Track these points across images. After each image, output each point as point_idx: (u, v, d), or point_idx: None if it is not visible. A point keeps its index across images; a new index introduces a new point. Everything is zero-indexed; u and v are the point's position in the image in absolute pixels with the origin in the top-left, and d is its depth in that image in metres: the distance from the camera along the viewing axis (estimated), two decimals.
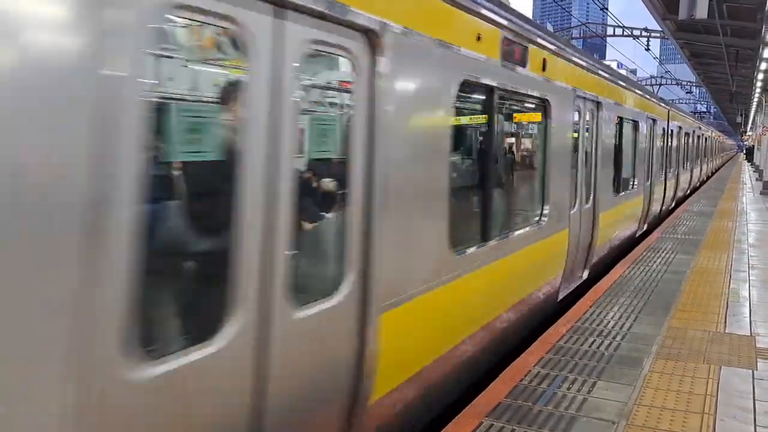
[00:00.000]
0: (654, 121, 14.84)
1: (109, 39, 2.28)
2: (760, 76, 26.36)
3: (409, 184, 4.21)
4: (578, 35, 47.23)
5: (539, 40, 6.59)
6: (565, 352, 5.95)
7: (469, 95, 5.84)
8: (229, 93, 3.20)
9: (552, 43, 7.04)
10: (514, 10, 6.21)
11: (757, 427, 4.53)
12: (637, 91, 13.02)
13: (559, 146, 7.50)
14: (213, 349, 2.82)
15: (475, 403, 4.77)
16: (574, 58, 7.98)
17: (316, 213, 3.91)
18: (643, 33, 38.50)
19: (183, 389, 2.68)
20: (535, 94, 6.62)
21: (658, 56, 45.54)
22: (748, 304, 7.86)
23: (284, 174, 3.16)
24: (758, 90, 32.70)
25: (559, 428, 4.40)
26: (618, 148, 11.24)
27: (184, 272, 3.27)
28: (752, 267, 10.18)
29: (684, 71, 70.98)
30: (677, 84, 68.87)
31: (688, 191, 24.86)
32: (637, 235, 13.42)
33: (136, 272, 2.43)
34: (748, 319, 7.22)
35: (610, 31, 43.85)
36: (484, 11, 5.28)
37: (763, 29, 17.36)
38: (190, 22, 3.04)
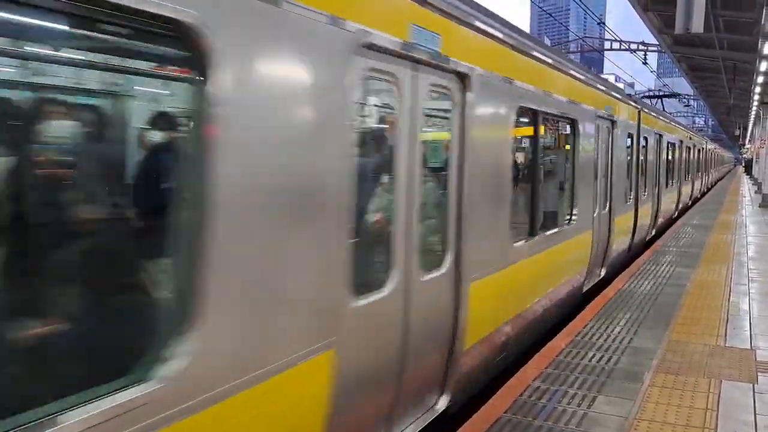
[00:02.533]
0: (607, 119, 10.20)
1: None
2: (758, 89, 26.47)
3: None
4: (575, 49, 47.45)
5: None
6: (564, 366, 5.92)
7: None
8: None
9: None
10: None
11: None
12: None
13: None
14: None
15: (474, 420, 4.74)
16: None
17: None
18: (641, 47, 38.67)
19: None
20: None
21: (655, 69, 45.75)
22: (748, 318, 7.84)
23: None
24: (756, 103, 32.81)
25: None
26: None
27: None
28: (752, 280, 10.17)
29: (682, 84, 71.27)
30: (675, 97, 69.09)
31: (650, 232, 15.87)
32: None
33: None
34: (748, 333, 7.20)
35: (607, 45, 44.09)
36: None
37: (760, 42, 17.45)
38: None
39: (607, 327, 7.27)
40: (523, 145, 7.04)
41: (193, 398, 2.55)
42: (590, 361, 6.09)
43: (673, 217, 19.96)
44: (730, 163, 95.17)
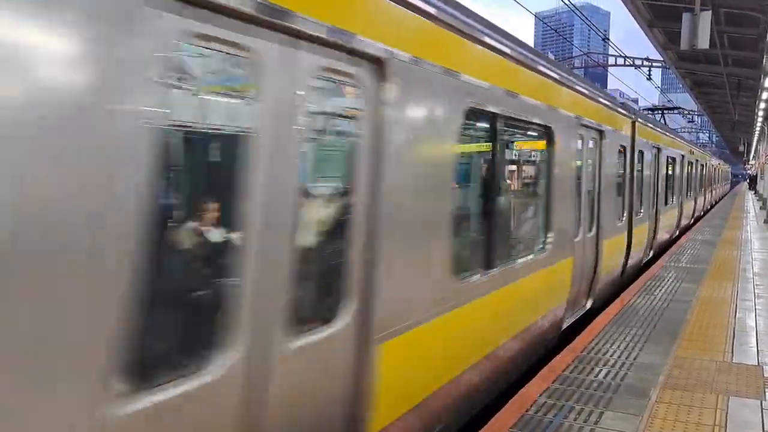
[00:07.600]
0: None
1: None
2: (762, 105, 26.50)
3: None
4: (580, 65, 47.61)
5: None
6: (570, 382, 5.90)
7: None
8: None
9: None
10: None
11: None
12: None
13: None
14: None
15: None
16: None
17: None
18: (645, 62, 38.80)
19: None
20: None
21: (659, 85, 45.84)
22: (755, 334, 7.80)
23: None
24: (760, 119, 32.85)
25: None
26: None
27: None
28: (758, 296, 10.13)
29: (686, 100, 71.36)
30: (679, 113, 69.14)
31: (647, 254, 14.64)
32: None
33: None
34: (755, 349, 7.16)
35: (611, 60, 44.23)
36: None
37: (764, 59, 17.50)
38: None
39: (613, 343, 7.24)
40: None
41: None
42: (596, 376, 6.06)
43: (674, 236, 18.68)
44: (731, 181, 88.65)
